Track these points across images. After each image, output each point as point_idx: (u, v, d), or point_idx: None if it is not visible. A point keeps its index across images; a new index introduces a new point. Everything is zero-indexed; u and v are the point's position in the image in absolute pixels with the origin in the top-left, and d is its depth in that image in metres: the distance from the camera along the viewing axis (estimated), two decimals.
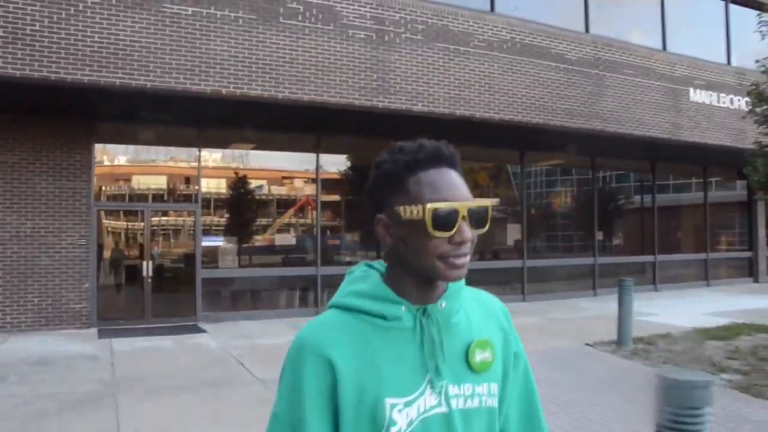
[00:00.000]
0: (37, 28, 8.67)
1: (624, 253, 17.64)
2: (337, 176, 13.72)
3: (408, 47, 11.07)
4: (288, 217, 13.39)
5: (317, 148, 12.66)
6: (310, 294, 12.53)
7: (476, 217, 1.20)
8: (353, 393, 1.17)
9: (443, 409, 1.21)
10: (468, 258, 1.20)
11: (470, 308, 1.32)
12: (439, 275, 1.20)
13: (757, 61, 9.36)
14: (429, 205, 1.15)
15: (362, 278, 1.29)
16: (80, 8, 8.94)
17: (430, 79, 11.16)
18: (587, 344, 9.31)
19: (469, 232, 1.18)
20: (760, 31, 9.29)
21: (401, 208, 1.19)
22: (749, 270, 20.05)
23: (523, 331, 1.60)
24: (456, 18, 11.59)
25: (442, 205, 1.16)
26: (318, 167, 12.74)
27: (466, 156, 10.31)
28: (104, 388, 6.66)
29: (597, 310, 12.83)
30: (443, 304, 1.26)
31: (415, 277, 1.23)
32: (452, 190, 1.20)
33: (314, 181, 12.83)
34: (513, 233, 15.43)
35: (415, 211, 1.17)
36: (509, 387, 1.34)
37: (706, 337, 9.99)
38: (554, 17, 13.19)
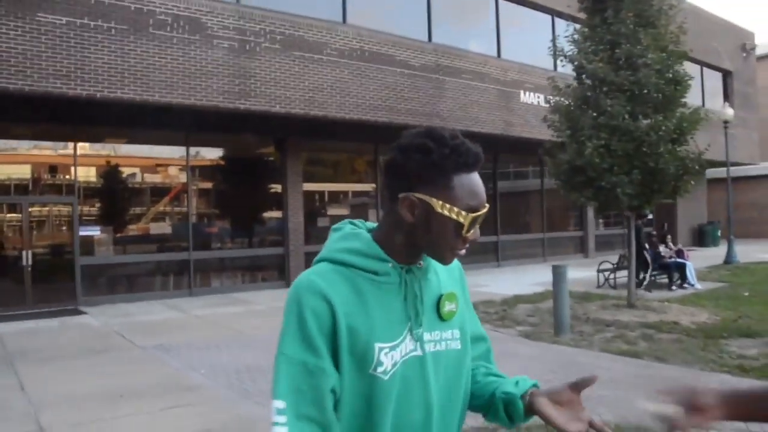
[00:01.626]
0: None
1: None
2: (208, 167, 14.91)
3: (267, 55, 12.47)
4: (162, 206, 14.45)
5: (187, 143, 13.81)
6: (183, 277, 13.69)
7: (483, 220, 1.36)
8: (348, 334, 1.29)
9: (418, 352, 1.37)
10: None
11: (436, 265, 1.46)
12: (442, 260, 1.38)
13: (548, 79, 11.52)
14: (471, 215, 1.31)
15: (354, 236, 1.41)
16: None
17: (287, 84, 12.62)
18: None
19: (479, 233, 1.36)
20: (551, 55, 11.47)
21: (439, 203, 1.30)
22: (581, 247, 23.02)
23: None
24: (311, 29, 13.10)
25: (479, 215, 1.32)
26: (188, 161, 13.90)
27: (326, 149, 12.36)
28: (0, 360, 7.72)
29: None
30: (421, 263, 1.41)
31: (413, 248, 1.38)
32: (483, 197, 1.34)
33: (184, 170, 13.99)
34: (375, 219, 17.21)
35: (455, 212, 1.30)
36: (467, 325, 1.51)
37: (519, 302, 12.16)
38: (401, 28, 14.99)
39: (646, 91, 10.17)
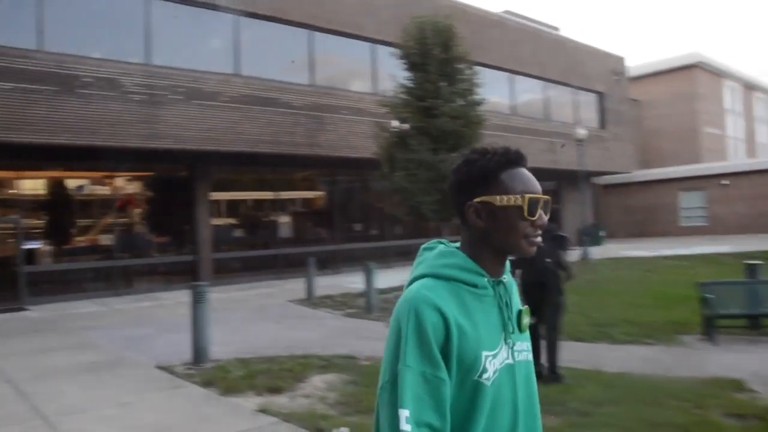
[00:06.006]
0: None
1: (362, 240, 23.49)
2: (131, 188, 18.33)
3: (172, 105, 15.98)
4: (104, 221, 17.75)
5: (114, 169, 17.26)
6: (111, 280, 17.03)
7: (546, 207, 1.53)
8: (459, 345, 1.41)
9: (510, 360, 1.52)
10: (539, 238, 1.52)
11: (508, 284, 1.61)
12: (521, 251, 1.52)
13: (378, 125, 15.34)
14: (527, 195, 1.48)
15: (451, 254, 1.55)
16: None
17: (188, 127, 16.15)
18: (289, 300, 14.81)
19: (545, 218, 1.52)
20: (381, 105, 15.28)
21: (497, 197, 1.48)
22: None
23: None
24: (207, 82, 16.65)
25: (535, 196, 1.49)
26: (114, 183, 17.34)
27: (230, 172, 16.87)
28: None
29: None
30: (506, 278, 1.58)
31: (496, 255, 1.54)
32: (536, 185, 1.52)
33: (112, 192, 17.39)
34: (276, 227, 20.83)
35: (513, 199, 1.47)
36: None
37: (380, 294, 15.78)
38: (287, 75, 18.63)
39: (445, 132, 14.04)
